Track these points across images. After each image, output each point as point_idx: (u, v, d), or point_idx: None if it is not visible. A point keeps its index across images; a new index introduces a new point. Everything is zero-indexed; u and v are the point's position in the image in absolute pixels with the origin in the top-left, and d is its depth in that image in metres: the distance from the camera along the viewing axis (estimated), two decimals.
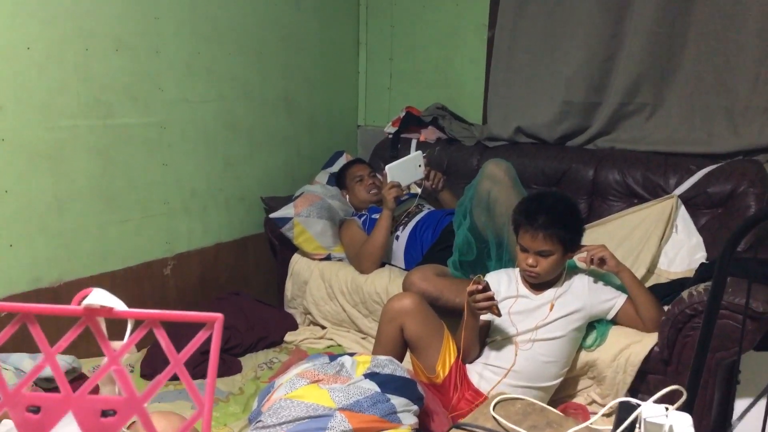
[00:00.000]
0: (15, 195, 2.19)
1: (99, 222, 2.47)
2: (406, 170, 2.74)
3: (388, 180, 2.69)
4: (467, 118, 3.32)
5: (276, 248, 3.11)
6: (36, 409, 0.60)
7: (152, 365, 2.45)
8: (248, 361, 2.61)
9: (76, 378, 2.20)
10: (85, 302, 0.61)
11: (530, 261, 2.05)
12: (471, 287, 1.95)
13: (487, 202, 2.45)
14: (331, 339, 2.81)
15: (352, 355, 2.09)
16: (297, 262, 2.97)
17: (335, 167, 3.29)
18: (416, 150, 3.23)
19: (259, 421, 1.79)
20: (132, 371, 2.48)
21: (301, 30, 3.23)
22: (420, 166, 2.78)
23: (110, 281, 2.52)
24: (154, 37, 2.53)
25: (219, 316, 0.60)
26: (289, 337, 2.83)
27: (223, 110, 2.89)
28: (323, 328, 2.88)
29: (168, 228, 2.74)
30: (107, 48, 2.37)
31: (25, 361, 2.05)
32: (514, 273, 2.20)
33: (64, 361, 2.14)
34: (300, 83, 3.28)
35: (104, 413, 0.60)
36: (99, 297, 0.63)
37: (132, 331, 0.63)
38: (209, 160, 2.86)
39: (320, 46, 3.37)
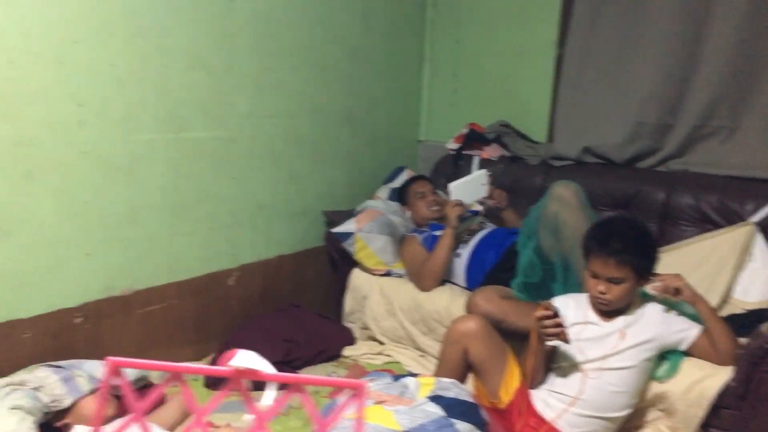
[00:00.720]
0: (93, 206, 2.27)
1: (169, 233, 2.53)
2: (470, 189, 2.72)
3: (452, 198, 2.68)
4: (532, 136, 3.28)
5: (336, 262, 3.13)
6: None
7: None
8: (307, 375, 2.62)
9: (145, 386, 2.27)
10: (233, 364, 0.62)
11: (601, 288, 2.00)
12: (540, 313, 1.92)
13: (554, 224, 2.41)
14: (389, 355, 2.81)
15: (414, 375, 2.08)
16: (357, 276, 2.98)
17: (396, 182, 3.29)
18: (478, 167, 3.21)
19: None
20: (196, 380, 2.53)
21: (367, 46, 3.26)
22: (484, 184, 2.76)
23: (177, 291, 2.59)
24: (228, 54, 2.59)
25: (363, 383, 0.60)
26: (347, 351, 2.84)
27: (289, 125, 2.93)
28: (381, 343, 2.88)
29: (233, 239, 2.79)
30: (183, 65, 2.44)
31: (98, 369, 2.12)
32: (583, 298, 2.15)
33: (132, 369, 2.20)
34: (363, 99, 3.30)
35: None
36: (245, 359, 0.64)
37: (271, 389, 0.64)
38: (275, 174, 2.90)
39: (384, 61, 3.39)
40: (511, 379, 2.08)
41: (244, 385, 0.63)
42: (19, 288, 2.11)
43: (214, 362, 2.58)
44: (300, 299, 3.06)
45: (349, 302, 2.99)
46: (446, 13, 3.53)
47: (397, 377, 2.07)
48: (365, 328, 2.94)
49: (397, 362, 2.74)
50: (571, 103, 3.07)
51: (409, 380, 2.00)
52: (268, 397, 0.69)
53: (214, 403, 0.62)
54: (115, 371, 0.61)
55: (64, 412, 1.98)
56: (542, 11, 3.19)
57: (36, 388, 1.89)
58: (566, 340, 1.95)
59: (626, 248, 1.96)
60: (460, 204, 2.66)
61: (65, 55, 2.10)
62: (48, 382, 1.94)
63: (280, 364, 2.59)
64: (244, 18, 2.63)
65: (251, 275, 2.88)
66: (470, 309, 2.35)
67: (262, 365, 0.65)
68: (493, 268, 2.62)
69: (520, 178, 3.12)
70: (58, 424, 1.97)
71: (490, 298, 2.35)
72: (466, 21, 3.46)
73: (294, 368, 2.63)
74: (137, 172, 2.38)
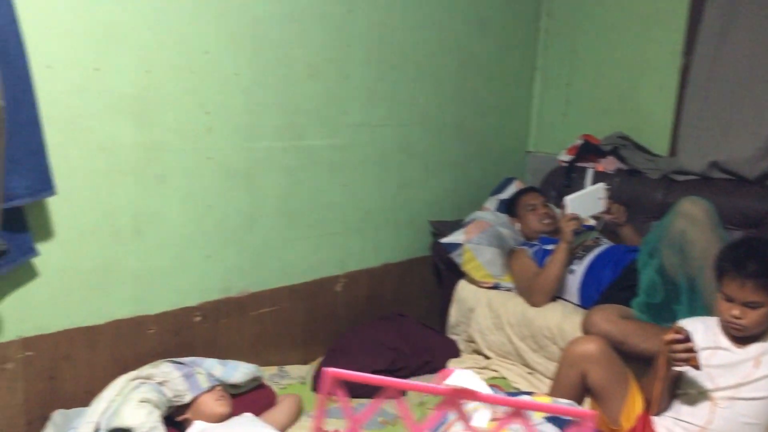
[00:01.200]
0: (216, 210, 2.35)
1: (283, 238, 2.59)
2: (587, 202, 2.62)
3: (568, 211, 2.59)
4: (652, 149, 3.13)
5: (441, 273, 3.10)
6: None
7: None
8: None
9: (258, 387, 2.31)
10: (450, 382, 0.61)
11: (735, 312, 1.86)
12: (670, 336, 1.81)
13: (680, 242, 2.28)
14: (496, 371, 2.74)
15: (530, 394, 2.02)
16: (463, 288, 2.94)
17: (505, 194, 3.23)
18: (593, 180, 3.09)
19: None
20: (303, 383, 2.57)
21: (480, 54, 3.22)
22: (601, 198, 2.66)
23: (288, 295, 2.64)
24: (345, 64, 2.63)
25: (593, 413, 0.57)
26: (452, 364, 2.80)
27: (400, 134, 2.93)
28: (487, 357, 2.82)
29: (342, 246, 2.82)
30: (303, 74, 2.49)
31: (216, 367, 2.19)
32: (712, 322, 2.01)
33: (248, 369, 2.25)
34: (472, 108, 3.26)
35: None
36: (462, 379, 0.62)
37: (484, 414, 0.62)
38: (384, 183, 2.92)
39: (496, 70, 3.33)
40: (633, 405, 1.97)
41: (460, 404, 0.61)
42: (147, 285, 2.21)
43: (320, 367, 2.61)
44: (403, 309, 3.05)
45: (454, 314, 2.95)
46: (561, 22, 3.44)
47: (511, 395, 2.01)
48: (471, 341, 2.89)
49: (504, 378, 2.67)
50: (698, 115, 2.90)
51: (524, 398, 1.93)
52: (483, 418, 0.67)
53: (432, 422, 0.61)
54: (333, 382, 0.61)
55: (184, 408, 2.05)
56: (667, 19, 3.04)
57: (161, 383, 1.97)
58: (697, 366, 1.83)
59: (766, 271, 1.82)
60: (576, 218, 2.57)
61: (196, 65, 2.20)
62: (171, 378, 2.02)
63: (386, 373, 2.58)
64: (360, 28, 2.66)
65: (357, 282, 2.90)
66: (588, 328, 2.25)
67: (479, 385, 0.63)
68: (609, 287, 2.51)
69: (639, 193, 2.97)
70: (179, 418, 2.04)
71: (609, 318, 2.24)
72: (583, 29, 3.35)
73: (400, 378, 2.61)
74: (256, 178, 2.45)
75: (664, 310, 2.30)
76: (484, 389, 0.62)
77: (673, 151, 3.06)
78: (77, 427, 1.73)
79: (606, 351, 2.02)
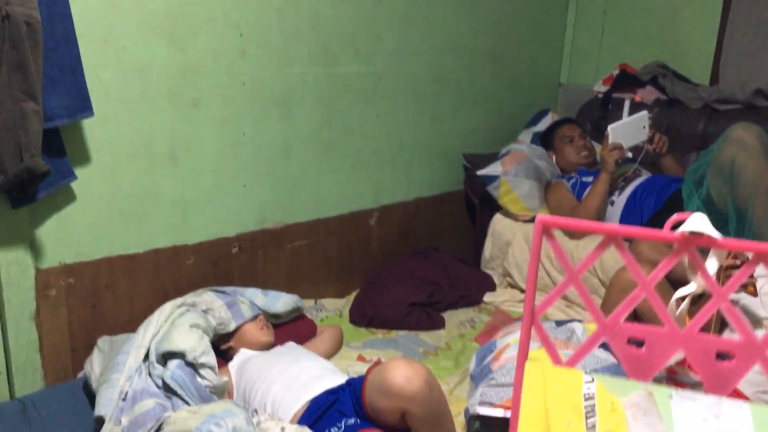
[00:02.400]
0: (251, 138, 2.28)
1: (317, 169, 2.52)
2: (630, 131, 2.54)
3: (610, 141, 2.52)
4: (692, 78, 3.02)
5: (474, 207, 3.04)
6: (639, 343, 0.55)
7: (361, 311, 2.50)
8: (450, 318, 2.58)
9: (298, 318, 2.29)
10: (683, 228, 0.54)
11: None
12: None
13: (730, 170, 2.20)
14: None
15: (579, 321, 1.98)
16: (499, 222, 2.89)
17: (539, 126, 3.14)
18: (630, 111, 3.00)
19: (492, 378, 1.74)
20: (340, 316, 2.55)
21: None
22: (644, 127, 2.57)
23: (323, 228, 2.59)
24: None
25: None
26: (488, 297, 2.77)
27: (434, 63, 2.83)
28: (523, 291, 2.79)
29: (376, 179, 2.75)
30: None
31: (258, 297, 2.16)
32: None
33: (290, 299, 2.23)
34: (506, 38, 3.15)
35: (720, 356, 0.54)
36: (698, 223, 0.56)
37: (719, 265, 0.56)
38: (418, 114, 2.83)
39: None
40: None
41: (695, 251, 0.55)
42: (185, 214, 2.16)
43: (356, 300, 2.58)
44: (436, 244, 3.01)
45: (489, 248, 2.91)
46: None
47: (559, 322, 1.98)
48: (506, 275, 2.85)
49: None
50: (742, 41, 2.79)
51: (575, 325, 1.90)
52: (711, 266, 0.62)
53: (660, 272, 0.55)
54: (547, 232, 0.56)
55: (228, 337, 2.03)
56: None
57: (205, 311, 1.95)
58: (755, 294, 1.78)
59: None
60: (619, 147, 2.49)
61: None
62: (215, 306, 1.99)
63: (424, 305, 2.56)
64: None
65: (390, 216, 2.85)
66: (637, 257, 2.20)
67: (714, 231, 0.57)
68: (652, 217, 2.45)
69: (679, 124, 2.89)
70: (224, 347, 2.03)
71: (657, 248, 2.19)
72: None
73: (437, 310, 2.59)
74: (290, 105, 2.37)
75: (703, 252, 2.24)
76: (716, 234, 0.56)
77: (714, 80, 2.96)
78: (127, 352, 1.71)
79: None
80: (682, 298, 0.87)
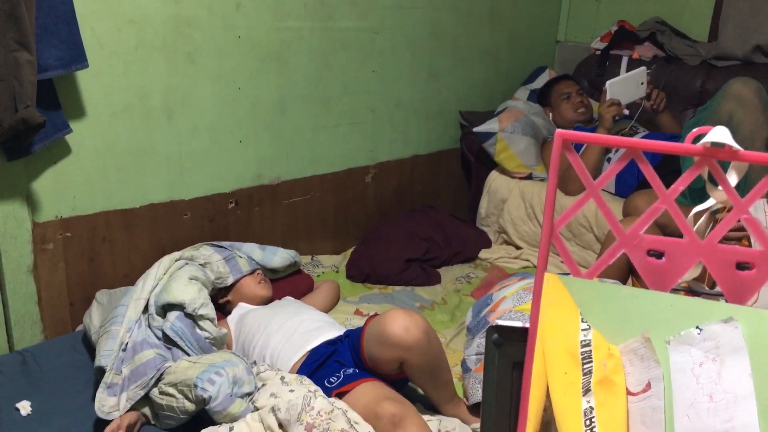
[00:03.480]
0: (246, 92, 2.26)
1: (313, 125, 2.51)
2: (628, 87, 2.53)
3: (608, 97, 2.51)
4: (690, 34, 3.00)
5: (470, 164, 3.04)
6: (658, 254, 0.56)
7: (358, 267, 2.51)
8: (446, 274, 2.60)
9: (295, 273, 2.31)
10: (705, 140, 0.55)
11: None
12: None
13: (728, 125, 2.20)
14: (527, 260, 2.74)
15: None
16: (494, 179, 2.89)
17: (536, 83, 3.13)
18: (627, 68, 2.98)
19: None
20: (336, 272, 2.57)
21: None
22: (642, 83, 2.56)
23: (320, 184, 2.59)
24: None
25: None
26: (483, 254, 2.79)
27: (431, 19, 2.80)
28: (518, 248, 2.81)
29: (372, 136, 2.74)
30: None
31: (255, 251, 2.17)
32: (762, 204, 1.97)
33: (287, 254, 2.24)
34: None
35: (740, 266, 0.55)
36: (719, 135, 0.57)
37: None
38: (414, 71, 2.81)
39: None
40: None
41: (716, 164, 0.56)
42: (181, 170, 2.15)
43: (352, 256, 2.60)
44: (432, 201, 3.02)
45: (485, 205, 2.91)
46: None
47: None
48: (502, 231, 2.87)
49: (536, 266, 2.66)
50: None
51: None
52: (732, 179, 0.62)
53: (680, 185, 0.56)
54: (566, 146, 0.56)
55: (225, 291, 2.05)
56: None
57: (203, 265, 1.95)
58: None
59: None
60: (617, 103, 2.48)
61: None
62: (213, 260, 2.00)
63: (420, 261, 2.58)
64: None
65: (387, 174, 2.85)
66: (629, 211, 2.22)
67: (734, 142, 0.57)
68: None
69: (677, 81, 2.88)
70: (221, 301, 2.04)
71: (652, 201, 2.19)
72: None
73: (433, 266, 2.61)
74: (286, 60, 2.34)
75: (707, 195, 2.25)
76: (737, 145, 0.56)
77: (713, 36, 2.94)
78: (126, 304, 1.72)
79: (653, 231, 1.98)
80: (700, 214, 0.88)
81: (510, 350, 0.66)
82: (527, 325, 0.64)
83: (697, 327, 0.93)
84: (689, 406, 0.95)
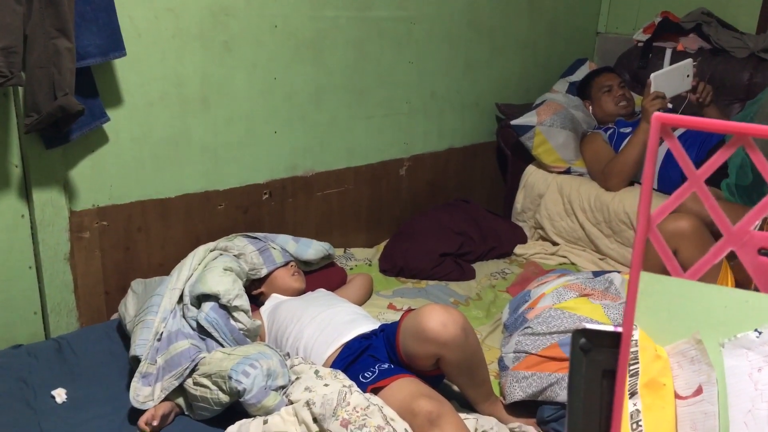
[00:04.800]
0: (282, 83, 2.24)
1: (348, 116, 2.48)
2: (673, 80, 2.44)
3: (652, 90, 2.42)
4: (737, 26, 2.89)
5: (507, 158, 2.98)
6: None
7: (391, 260, 2.48)
8: (480, 269, 2.56)
9: (328, 265, 2.28)
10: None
11: None
12: None
13: None
14: (564, 257, 2.68)
15: (618, 272, 1.95)
16: (531, 173, 2.83)
17: (576, 76, 3.05)
18: (671, 61, 2.89)
19: (527, 327, 1.72)
20: (369, 265, 2.54)
21: None
22: (688, 76, 2.47)
23: (353, 176, 2.56)
24: None
25: None
26: (519, 249, 2.73)
27: (468, 8, 2.74)
28: (555, 244, 2.75)
29: (407, 128, 2.70)
30: None
31: (289, 243, 2.15)
32: None
33: (321, 246, 2.21)
34: None
35: None
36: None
37: None
38: (451, 62, 2.76)
39: None
40: (726, 285, 1.89)
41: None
42: (215, 160, 2.14)
43: (386, 250, 2.56)
44: (466, 195, 2.97)
45: (521, 200, 2.85)
46: None
47: (597, 273, 1.94)
48: (538, 227, 2.81)
49: (574, 264, 2.61)
50: None
51: (614, 276, 1.87)
52: None
53: (712, 166, 0.52)
54: (664, 130, 0.51)
55: (259, 282, 2.03)
56: None
57: (237, 256, 1.94)
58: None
59: None
60: (661, 97, 2.40)
61: None
62: (247, 251, 1.98)
63: (454, 256, 2.54)
64: None
65: (421, 166, 2.81)
66: (676, 209, 2.15)
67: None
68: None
69: (723, 74, 2.78)
70: (255, 292, 2.03)
71: (698, 198, 2.12)
72: None
73: (467, 261, 2.57)
74: (322, 50, 2.31)
75: (754, 192, 2.17)
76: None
77: (761, 28, 2.83)
78: (161, 294, 1.71)
79: (699, 228, 1.92)
80: None
81: (599, 357, 0.61)
82: (619, 329, 0.59)
83: (756, 330, 0.88)
84: (746, 413, 0.89)
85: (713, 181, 2.24)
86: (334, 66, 2.37)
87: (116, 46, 1.73)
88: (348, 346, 1.68)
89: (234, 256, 1.93)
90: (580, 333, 0.61)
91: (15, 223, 1.80)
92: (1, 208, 1.77)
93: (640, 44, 3.06)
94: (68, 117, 1.62)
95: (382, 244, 2.65)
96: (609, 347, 0.60)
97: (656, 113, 0.50)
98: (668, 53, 2.95)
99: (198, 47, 2.00)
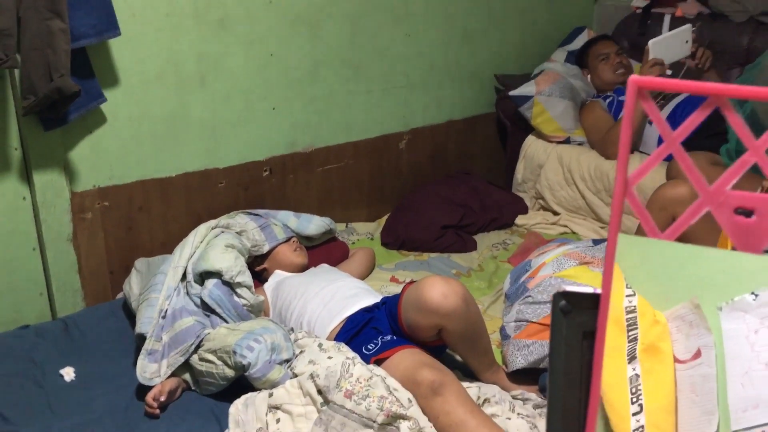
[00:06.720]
0: (278, 58, 2.23)
1: (346, 90, 2.47)
2: (671, 46, 2.42)
3: (650, 57, 2.41)
4: None
5: (506, 129, 2.98)
6: (747, 213, 0.52)
7: (393, 234, 2.49)
8: (482, 240, 2.57)
9: (330, 240, 2.30)
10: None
11: None
12: None
13: None
14: (565, 226, 2.68)
15: None
16: (531, 144, 2.82)
17: (574, 44, 3.02)
18: (670, 27, 2.86)
19: (528, 296, 1.74)
20: (371, 239, 2.55)
21: None
22: (687, 42, 2.45)
23: (353, 151, 2.56)
24: None
25: None
26: (520, 220, 2.74)
27: None
28: (556, 213, 2.76)
29: (406, 102, 2.69)
30: None
31: (291, 219, 2.16)
32: None
33: (323, 221, 2.22)
34: None
35: None
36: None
37: None
38: (448, 33, 2.74)
39: None
40: (725, 248, 1.90)
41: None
42: (214, 138, 2.15)
43: (387, 223, 2.58)
44: (466, 166, 2.97)
45: (521, 171, 2.86)
46: None
47: (597, 241, 1.96)
48: (539, 197, 2.81)
49: (575, 233, 2.62)
50: None
51: None
52: None
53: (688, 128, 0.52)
54: (641, 94, 0.52)
55: (261, 259, 2.05)
56: None
57: (239, 233, 1.96)
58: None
59: None
60: (659, 63, 2.38)
61: None
62: (248, 228, 2.00)
63: (456, 228, 2.55)
64: None
65: (421, 140, 2.80)
66: (675, 175, 2.15)
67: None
68: (694, 134, 2.36)
69: (722, 39, 2.75)
70: (257, 269, 2.04)
71: (699, 164, 2.11)
72: None
73: (468, 233, 2.58)
74: (318, 25, 2.30)
75: None
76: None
77: None
78: (165, 272, 1.73)
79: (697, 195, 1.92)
80: None
81: (580, 318, 0.62)
82: (598, 290, 0.60)
83: (753, 293, 0.89)
84: (743, 374, 0.90)
85: (712, 148, 2.24)
86: (330, 40, 2.35)
87: (110, 26, 1.73)
88: (351, 320, 1.70)
89: (236, 233, 1.94)
90: (561, 295, 0.62)
91: (17, 206, 1.82)
92: (2, 191, 1.79)
93: (638, 11, 3.03)
94: (65, 98, 1.63)
95: (384, 218, 2.66)
96: (589, 309, 0.61)
97: (633, 76, 0.50)
98: (667, 19, 2.92)
99: (192, 25, 1.99)
